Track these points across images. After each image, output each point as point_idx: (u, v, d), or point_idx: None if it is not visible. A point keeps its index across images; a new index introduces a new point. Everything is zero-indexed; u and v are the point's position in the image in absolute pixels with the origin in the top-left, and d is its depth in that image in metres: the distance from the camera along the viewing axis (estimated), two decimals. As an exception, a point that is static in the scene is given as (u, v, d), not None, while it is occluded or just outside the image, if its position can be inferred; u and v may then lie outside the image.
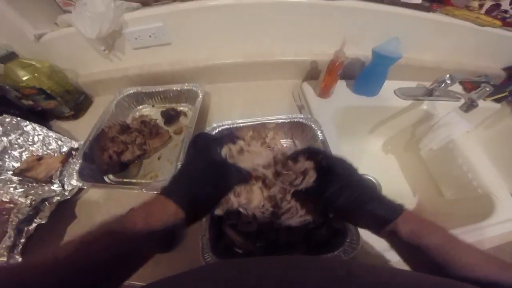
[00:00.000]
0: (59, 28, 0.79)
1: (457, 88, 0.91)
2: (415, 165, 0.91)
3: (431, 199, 0.85)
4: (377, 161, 0.99)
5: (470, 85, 0.90)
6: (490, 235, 0.60)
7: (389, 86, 0.85)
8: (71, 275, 0.28)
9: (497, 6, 0.79)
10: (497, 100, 0.88)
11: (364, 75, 0.81)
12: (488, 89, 0.77)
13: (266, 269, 0.25)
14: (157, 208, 0.38)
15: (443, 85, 0.79)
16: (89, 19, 0.68)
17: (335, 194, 0.41)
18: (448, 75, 0.77)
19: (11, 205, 0.64)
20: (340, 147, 0.69)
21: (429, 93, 0.83)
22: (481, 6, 0.81)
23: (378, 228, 0.39)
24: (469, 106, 0.70)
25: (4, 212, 0.63)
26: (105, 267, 0.31)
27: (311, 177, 0.48)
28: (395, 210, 0.38)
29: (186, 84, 0.85)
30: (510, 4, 0.77)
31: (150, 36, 0.79)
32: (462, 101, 0.81)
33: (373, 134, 0.97)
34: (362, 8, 0.75)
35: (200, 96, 0.81)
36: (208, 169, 0.45)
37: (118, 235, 0.33)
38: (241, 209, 0.51)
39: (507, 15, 0.79)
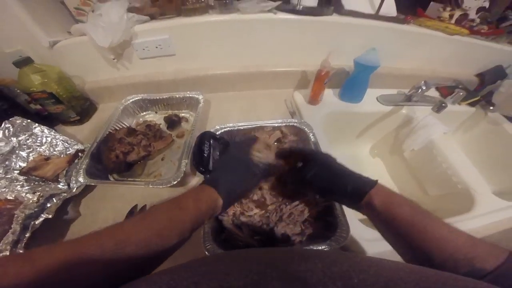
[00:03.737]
0: (72, 36, 0.84)
1: (434, 94, 1.00)
2: (400, 167, 0.99)
3: (417, 197, 0.92)
4: (366, 165, 1.07)
5: (446, 91, 0.98)
6: (471, 227, 0.63)
7: (373, 93, 0.94)
8: (138, 253, 0.32)
9: (465, 15, 0.90)
10: (472, 104, 0.96)
11: (348, 83, 0.90)
12: (461, 93, 0.86)
13: (267, 264, 0.25)
14: (205, 195, 0.45)
15: (419, 91, 0.87)
16: (103, 29, 0.75)
17: (313, 176, 0.49)
18: (423, 82, 0.85)
19: (13, 205, 0.64)
20: (331, 152, 0.75)
21: (408, 99, 0.92)
22: (451, 16, 0.91)
23: (356, 200, 0.43)
24: (440, 107, 0.79)
25: (4, 213, 0.62)
26: (168, 239, 0.37)
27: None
28: (368, 183, 0.44)
29: (188, 92, 0.91)
30: (476, 14, 0.88)
31: (156, 47, 0.87)
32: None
33: (360, 139, 1.05)
34: (346, 23, 0.86)
35: (201, 103, 0.87)
36: (243, 168, 0.54)
37: (176, 213, 0.40)
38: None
39: (474, 24, 0.90)
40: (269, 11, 0.81)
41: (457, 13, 0.91)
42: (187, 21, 0.83)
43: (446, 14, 0.92)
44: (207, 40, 0.88)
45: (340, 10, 0.87)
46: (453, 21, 0.91)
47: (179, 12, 0.84)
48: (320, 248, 0.51)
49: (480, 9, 0.88)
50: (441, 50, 0.94)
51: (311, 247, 0.53)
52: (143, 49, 0.87)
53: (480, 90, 0.97)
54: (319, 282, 0.22)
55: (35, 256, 0.27)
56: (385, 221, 0.40)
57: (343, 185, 0.45)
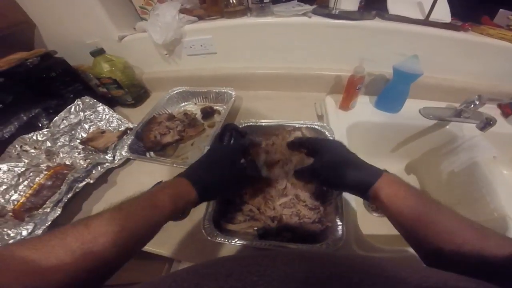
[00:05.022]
0: (136, 32, 1.00)
1: (496, 112, 0.86)
2: (436, 187, 0.88)
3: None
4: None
5: (509, 110, 0.83)
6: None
7: (415, 105, 0.85)
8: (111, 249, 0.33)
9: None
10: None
11: (386, 91, 0.85)
12: (526, 113, 0.73)
13: (267, 265, 0.25)
14: (183, 190, 0.45)
15: (472, 106, 0.76)
16: (159, 27, 0.88)
17: (321, 168, 0.49)
18: (476, 96, 0.75)
19: (68, 170, 0.76)
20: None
21: (458, 114, 0.80)
22: (525, 25, 0.77)
23: (363, 192, 0.43)
24: (486, 124, 0.69)
25: (60, 176, 0.74)
26: (141, 238, 0.38)
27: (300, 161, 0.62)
28: (374, 175, 0.42)
29: (224, 88, 1.00)
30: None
31: (201, 46, 0.97)
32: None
33: (396, 154, 0.97)
34: (388, 28, 0.82)
35: (233, 98, 0.94)
36: (219, 163, 0.52)
37: (152, 212, 0.39)
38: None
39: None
40: (304, 14, 0.83)
41: (533, 22, 0.77)
42: (227, 23, 0.91)
43: (518, 23, 0.79)
44: (244, 41, 0.95)
45: (383, 15, 0.83)
46: (526, 31, 0.78)
47: (222, 14, 0.93)
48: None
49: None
50: (505, 62, 0.81)
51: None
52: (190, 47, 0.98)
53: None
54: (318, 283, 0.22)
55: None
56: (392, 214, 0.40)
57: (349, 177, 0.44)
